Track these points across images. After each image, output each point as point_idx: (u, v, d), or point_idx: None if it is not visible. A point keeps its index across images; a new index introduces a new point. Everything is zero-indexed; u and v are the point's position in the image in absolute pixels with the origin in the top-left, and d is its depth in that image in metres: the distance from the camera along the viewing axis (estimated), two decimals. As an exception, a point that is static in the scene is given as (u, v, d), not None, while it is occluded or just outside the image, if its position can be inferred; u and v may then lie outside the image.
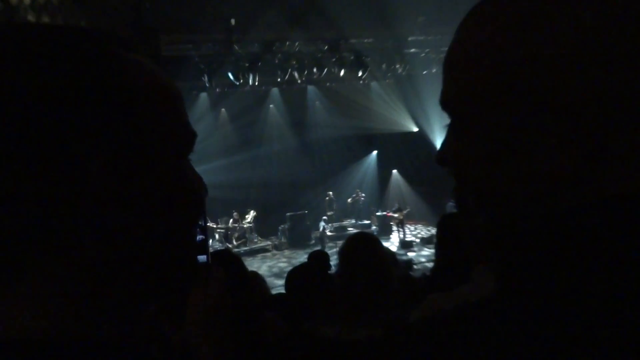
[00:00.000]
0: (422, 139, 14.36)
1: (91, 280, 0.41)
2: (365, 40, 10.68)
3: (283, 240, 13.69)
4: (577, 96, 0.37)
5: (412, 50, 11.17)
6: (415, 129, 15.38)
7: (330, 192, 15.15)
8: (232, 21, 8.91)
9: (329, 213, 14.32)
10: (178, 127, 0.46)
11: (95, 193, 0.39)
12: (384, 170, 17.08)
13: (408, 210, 13.89)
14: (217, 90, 12.19)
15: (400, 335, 0.51)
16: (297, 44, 10.37)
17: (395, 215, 13.50)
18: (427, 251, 11.14)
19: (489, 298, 0.42)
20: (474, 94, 0.42)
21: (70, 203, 0.38)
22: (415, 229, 14.96)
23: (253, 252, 12.98)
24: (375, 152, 17.36)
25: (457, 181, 0.47)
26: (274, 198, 14.58)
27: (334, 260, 3.02)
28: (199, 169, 0.51)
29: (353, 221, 14.97)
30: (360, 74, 11.44)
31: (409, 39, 10.68)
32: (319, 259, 3.70)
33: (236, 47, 9.87)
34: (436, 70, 11.52)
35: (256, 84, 11.17)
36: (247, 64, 10.49)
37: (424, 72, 11.94)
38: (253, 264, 11.05)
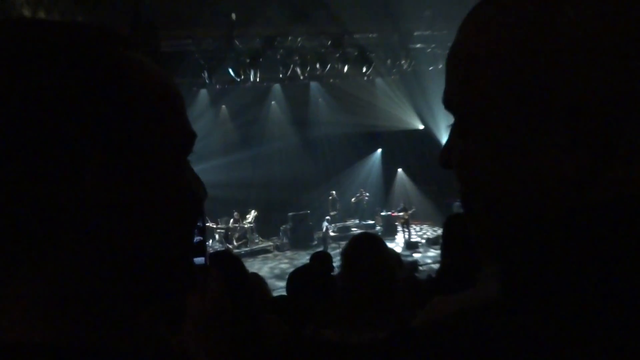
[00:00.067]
0: (428, 136, 14.33)
1: (87, 282, 0.41)
2: (370, 35, 10.69)
3: (285, 240, 13.70)
4: (584, 95, 0.37)
5: (418, 45, 11.17)
6: (421, 127, 15.36)
7: (334, 192, 15.15)
8: (233, 16, 8.92)
9: (332, 213, 14.33)
10: (177, 127, 0.46)
11: (91, 193, 0.39)
12: (388, 168, 17.08)
13: (413, 210, 13.89)
14: (218, 86, 12.20)
15: (404, 340, 0.51)
16: (299, 39, 10.38)
17: (401, 215, 13.49)
18: (433, 252, 11.12)
19: (495, 302, 0.42)
20: (478, 94, 0.42)
21: (66, 203, 0.38)
22: (421, 229, 14.96)
23: (254, 253, 13.00)
24: (379, 151, 17.36)
25: (461, 183, 0.47)
26: (275, 197, 14.59)
27: (336, 262, 3.03)
28: (199, 167, 0.51)
29: (357, 221, 14.98)
30: (364, 70, 11.45)
31: (415, 33, 10.67)
32: (322, 260, 3.71)
33: (237, 42, 9.89)
34: (443, 66, 11.31)
35: (257, 80, 11.18)
36: (248, 60, 10.51)
37: (430, 68, 11.92)
38: (254, 265, 11.07)
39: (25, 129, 0.37)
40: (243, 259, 1.95)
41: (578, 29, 0.37)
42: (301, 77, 11.69)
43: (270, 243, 13.85)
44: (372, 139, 16.50)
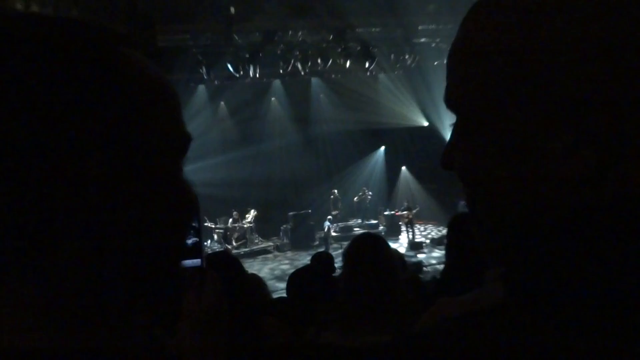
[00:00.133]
0: (432, 133, 14.32)
1: (81, 284, 0.41)
2: (373, 29, 10.67)
3: (285, 241, 13.72)
4: (590, 95, 0.37)
5: (422, 39, 11.16)
6: (425, 124, 15.36)
7: (335, 190, 15.15)
8: (232, 9, 8.91)
9: (333, 212, 14.33)
10: (172, 128, 0.46)
11: (90, 193, 0.39)
12: (392, 167, 17.07)
13: (417, 209, 13.88)
14: (216, 82, 12.22)
15: (408, 343, 0.51)
16: (300, 33, 10.37)
17: (404, 214, 13.50)
18: (438, 252, 11.14)
19: (499, 305, 0.42)
20: (480, 93, 0.42)
21: (63, 205, 0.38)
22: (425, 229, 14.96)
23: (253, 254, 13.02)
24: (382, 148, 17.35)
25: (464, 184, 0.47)
26: (275, 196, 14.61)
27: (338, 263, 3.02)
28: (197, 166, 0.51)
29: (359, 221, 15.00)
30: (367, 65, 11.43)
31: (419, 27, 10.66)
32: (323, 261, 3.71)
33: (236, 37, 9.89)
34: (447, 61, 11.48)
35: (257, 75, 11.19)
36: (247, 55, 10.51)
37: (435, 63, 11.91)
38: (253, 266, 11.09)
39: (21, 127, 0.37)
40: (242, 260, 1.96)
41: (582, 26, 0.37)
42: (302, 73, 11.69)
43: (271, 243, 13.86)
44: (375, 136, 16.49)
